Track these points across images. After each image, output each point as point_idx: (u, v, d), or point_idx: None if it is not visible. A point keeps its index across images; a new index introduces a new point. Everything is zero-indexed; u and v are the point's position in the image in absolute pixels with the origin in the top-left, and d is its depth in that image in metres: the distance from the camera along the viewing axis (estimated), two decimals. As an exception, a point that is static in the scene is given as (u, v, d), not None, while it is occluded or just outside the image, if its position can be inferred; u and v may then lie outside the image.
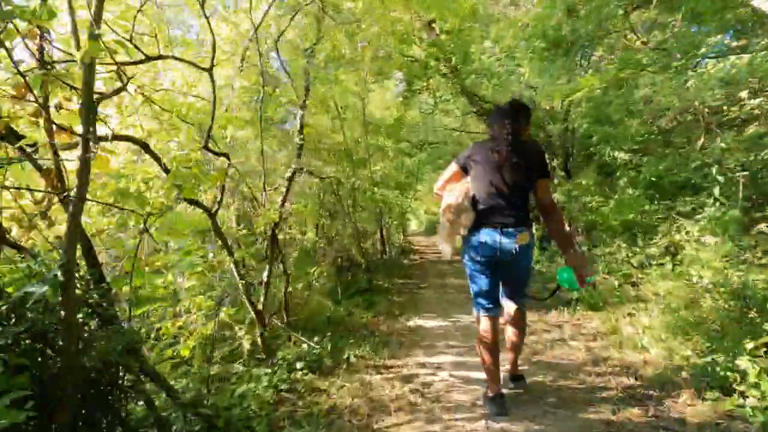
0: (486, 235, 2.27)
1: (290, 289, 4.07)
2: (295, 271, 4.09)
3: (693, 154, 6.77)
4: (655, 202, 5.60)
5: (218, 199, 2.84)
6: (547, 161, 2.38)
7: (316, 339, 3.62)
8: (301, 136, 3.05)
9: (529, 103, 3.39)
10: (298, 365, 3.11)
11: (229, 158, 2.73)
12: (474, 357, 3.45)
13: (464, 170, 2.43)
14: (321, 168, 5.74)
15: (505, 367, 2.76)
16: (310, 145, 6.11)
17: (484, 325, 2.41)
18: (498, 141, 2.28)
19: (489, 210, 2.28)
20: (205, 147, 2.55)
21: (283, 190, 3.39)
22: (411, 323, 4.62)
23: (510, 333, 2.56)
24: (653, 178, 5.89)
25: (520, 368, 2.86)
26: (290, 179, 3.11)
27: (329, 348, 3.48)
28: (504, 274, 2.40)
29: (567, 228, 2.53)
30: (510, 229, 2.23)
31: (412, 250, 14.88)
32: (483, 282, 2.38)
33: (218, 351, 3.10)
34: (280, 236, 4.05)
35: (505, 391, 2.56)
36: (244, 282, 3.02)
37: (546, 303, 5.12)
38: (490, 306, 2.41)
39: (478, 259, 2.33)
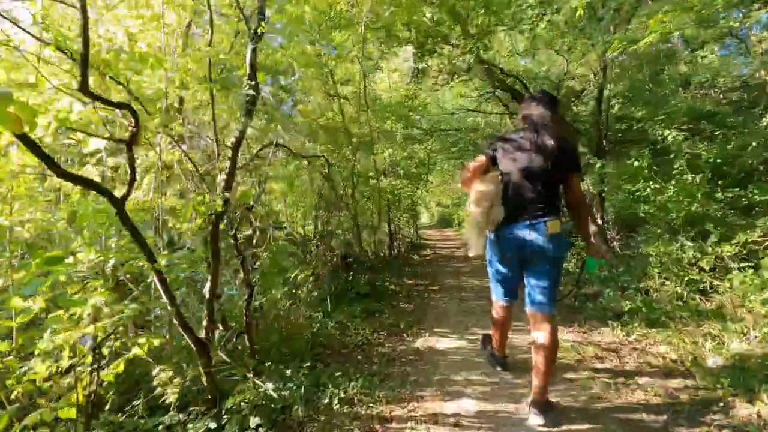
0: (515, 230, 2.19)
1: (260, 302, 3.10)
2: (267, 278, 3.12)
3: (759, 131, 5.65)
4: (718, 191, 4.50)
5: (130, 178, 1.87)
6: (579, 155, 2.32)
7: (289, 372, 2.66)
8: (253, 83, 2.05)
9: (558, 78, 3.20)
10: (253, 421, 2.14)
11: (133, 112, 1.75)
12: (505, 402, 2.46)
13: (493, 161, 2.31)
14: (310, 148, 4.76)
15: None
16: (306, 126, 5.17)
17: (499, 310, 2.54)
18: (531, 132, 2.22)
19: (518, 203, 2.20)
20: (85, 90, 1.58)
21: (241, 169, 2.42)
22: (420, 343, 3.62)
23: (538, 351, 2.18)
24: (718, 160, 4.78)
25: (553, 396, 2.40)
26: (236, 147, 2.10)
27: (303, 388, 2.50)
28: (532, 271, 2.24)
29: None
30: (539, 222, 2.14)
31: (423, 244, 13.88)
32: (505, 277, 2.40)
33: (139, 399, 2.14)
34: (248, 232, 3.08)
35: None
36: (179, 298, 2.06)
37: (589, 314, 4.14)
38: (507, 297, 2.47)
39: (505, 255, 2.28)
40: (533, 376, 2.21)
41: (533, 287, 2.23)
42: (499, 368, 2.83)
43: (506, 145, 2.27)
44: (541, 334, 2.17)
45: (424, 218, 34.32)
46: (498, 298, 2.53)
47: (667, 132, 5.12)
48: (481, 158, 2.32)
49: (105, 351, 1.98)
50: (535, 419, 2.13)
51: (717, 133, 5.91)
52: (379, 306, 4.68)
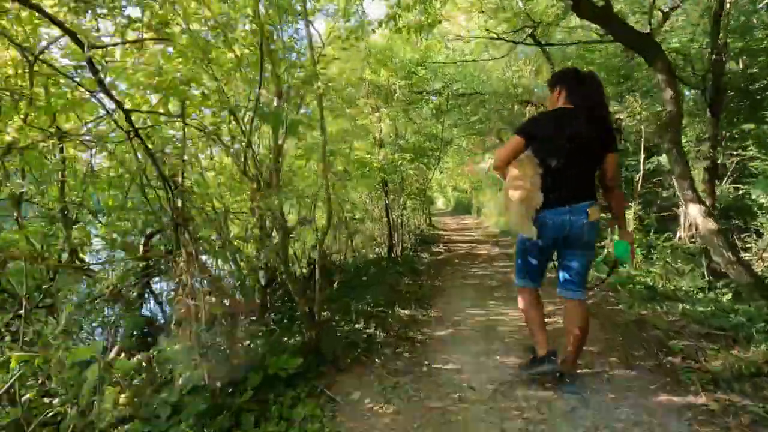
0: (555, 215, 2.14)
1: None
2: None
3: None
4: None
5: None
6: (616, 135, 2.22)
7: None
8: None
9: None
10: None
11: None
12: None
13: (529, 143, 2.18)
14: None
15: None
16: None
17: (529, 296, 2.40)
18: (572, 112, 2.16)
19: (557, 187, 2.14)
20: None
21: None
22: None
23: (570, 321, 2.27)
24: None
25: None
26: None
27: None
28: (567, 254, 2.24)
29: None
30: (579, 206, 2.13)
31: (436, 236, 11.23)
32: (537, 262, 2.32)
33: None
34: None
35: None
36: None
37: None
38: (536, 280, 2.39)
39: (543, 239, 2.20)
40: (566, 351, 2.33)
41: (567, 271, 2.26)
42: (555, 371, 2.29)
43: (545, 124, 2.19)
44: (572, 320, 2.24)
45: (440, 203, 31.63)
46: (526, 284, 2.39)
47: None
48: (516, 139, 2.20)
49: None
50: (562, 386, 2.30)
51: None
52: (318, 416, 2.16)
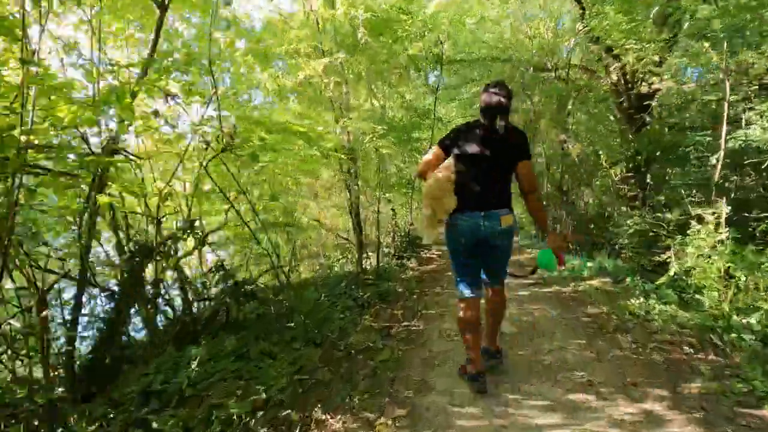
0: (469, 218, 2.24)
1: None
2: None
3: None
4: None
5: None
6: (529, 144, 2.33)
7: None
8: None
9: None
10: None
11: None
12: None
13: (446, 151, 2.33)
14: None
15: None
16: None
17: (467, 305, 2.35)
18: (483, 122, 2.28)
19: (472, 192, 2.25)
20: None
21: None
22: None
23: (490, 307, 2.52)
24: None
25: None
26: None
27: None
28: (485, 256, 2.35)
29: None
30: (493, 211, 2.22)
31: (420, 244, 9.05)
32: (466, 264, 2.37)
33: None
34: None
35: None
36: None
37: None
38: (473, 288, 2.36)
39: (461, 241, 2.30)
40: (485, 332, 2.56)
41: (486, 271, 2.41)
42: (480, 393, 2.28)
43: (461, 135, 2.32)
44: (492, 304, 2.49)
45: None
46: (463, 291, 2.38)
47: None
48: (436, 149, 2.38)
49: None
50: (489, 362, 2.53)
51: None
52: None
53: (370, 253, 6.69)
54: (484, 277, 2.42)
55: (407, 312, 3.87)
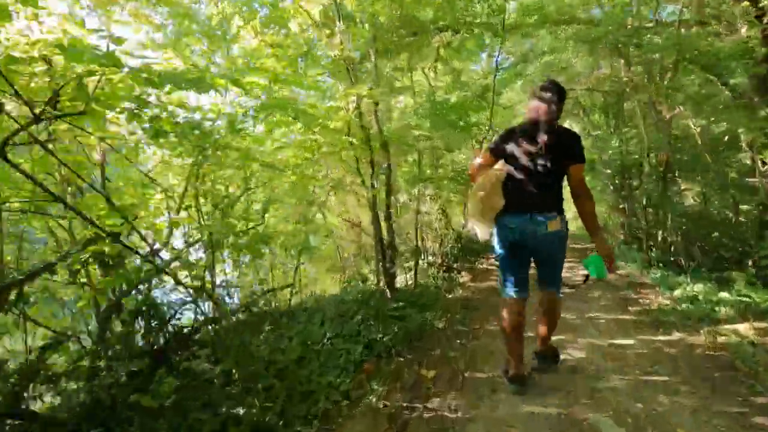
0: (516, 220, 2.23)
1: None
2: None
3: None
4: None
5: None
6: (582, 146, 2.24)
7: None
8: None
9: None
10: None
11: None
12: None
13: (496, 156, 2.35)
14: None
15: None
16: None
17: (511, 306, 2.33)
18: (533, 127, 2.23)
19: (519, 195, 2.23)
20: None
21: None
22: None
23: (542, 307, 2.41)
24: None
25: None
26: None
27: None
28: (535, 260, 2.34)
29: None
30: (540, 216, 2.18)
31: (475, 250, 7.57)
32: (511, 265, 2.34)
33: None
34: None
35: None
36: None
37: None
38: (517, 289, 2.34)
39: (507, 241, 2.29)
40: (537, 334, 2.47)
41: (538, 274, 2.37)
42: (516, 389, 2.29)
43: (509, 139, 2.31)
44: (544, 307, 2.38)
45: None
46: (508, 291, 2.36)
47: None
48: (486, 154, 2.42)
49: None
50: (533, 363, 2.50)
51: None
52: None
53: (411, 263, 5.43)
54: (537, 286, 2.38)
55: (444, 372, 2.60)
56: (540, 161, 2.19)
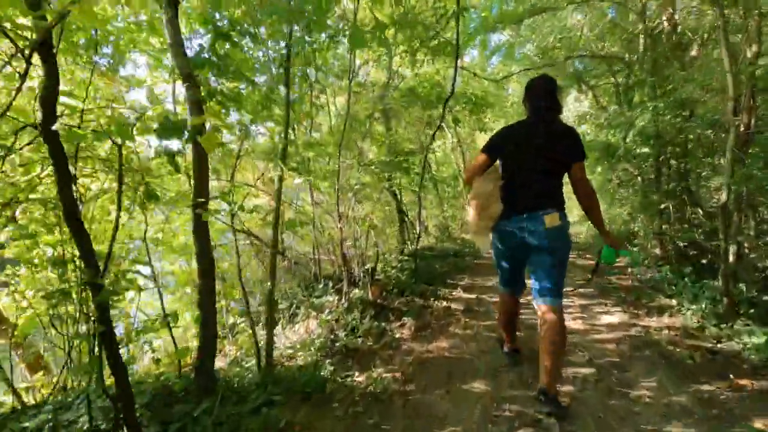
0: (513, 222, 2.20)
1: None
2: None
3: None
4: None
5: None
6: (582, 143, 2.15)
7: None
8: None
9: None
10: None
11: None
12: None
13: (493, 158, 2.29)
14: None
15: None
16: None
17: (503, 297, 2.48)
18: (530, 124, 2.21)
19: (517, 197, 2.18)
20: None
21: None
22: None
23: (543, 332, 2.14)
24: None
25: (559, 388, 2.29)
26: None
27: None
28: (534, 261, 2.21)
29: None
30: (537, 213, 2.12)
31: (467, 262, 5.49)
32: (507, 268, 2.38)
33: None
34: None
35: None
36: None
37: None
38: (508, 287, 2.45)
39: (503, 246, 2.30)
40: (540, 367, 2.13)
41: (536, 279, 2.23)
42: (509, 362, 2.64)
43: (505, 138, 2.26)
44: (546, 326, 2.15)
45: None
46: (501, 286, 2.49)
47: None
48: (481, 156, 2.31)
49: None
50: (543, 407, 2.11)
51: None
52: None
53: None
54: (534, 296, 2.24)
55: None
56: (538, 159, 2.14)
